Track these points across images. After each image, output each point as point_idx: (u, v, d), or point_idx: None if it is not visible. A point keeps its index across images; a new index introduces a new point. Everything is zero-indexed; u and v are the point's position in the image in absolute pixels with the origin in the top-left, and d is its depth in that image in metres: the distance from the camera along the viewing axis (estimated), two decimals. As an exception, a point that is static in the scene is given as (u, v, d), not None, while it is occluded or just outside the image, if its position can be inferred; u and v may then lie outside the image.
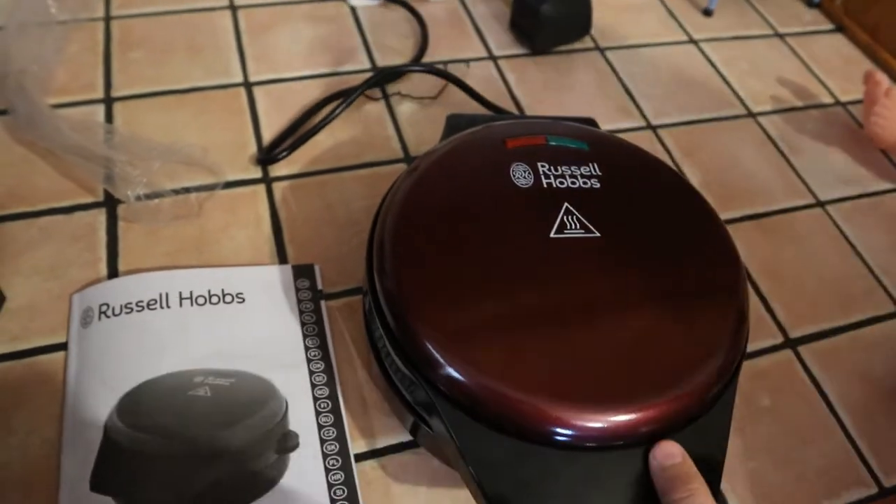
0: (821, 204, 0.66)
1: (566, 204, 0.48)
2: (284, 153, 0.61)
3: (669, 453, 0.38)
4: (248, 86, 0.67)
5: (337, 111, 0.63)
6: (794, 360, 0.56)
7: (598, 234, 0.46)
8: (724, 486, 0.49)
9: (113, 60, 0.67)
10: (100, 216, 0.56)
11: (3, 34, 0.64)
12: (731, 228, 0.62)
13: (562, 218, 0.47)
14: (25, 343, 0.49)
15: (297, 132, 0.63)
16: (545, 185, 0.49)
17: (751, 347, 0.55)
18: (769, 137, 0.71)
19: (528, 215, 0.47)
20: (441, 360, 0.40)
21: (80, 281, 0.52)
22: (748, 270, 0.60)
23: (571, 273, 0.45)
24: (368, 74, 0.68)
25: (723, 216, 0.63)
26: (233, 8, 0.73)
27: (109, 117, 0.62)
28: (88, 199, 0.57)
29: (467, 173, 0.49)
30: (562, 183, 0.49)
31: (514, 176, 0.49)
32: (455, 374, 0.40)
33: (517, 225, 0.46)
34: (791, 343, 0.57)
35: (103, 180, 0.57)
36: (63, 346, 0.49)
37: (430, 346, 0.40)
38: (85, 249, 0.54)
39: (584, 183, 0.49)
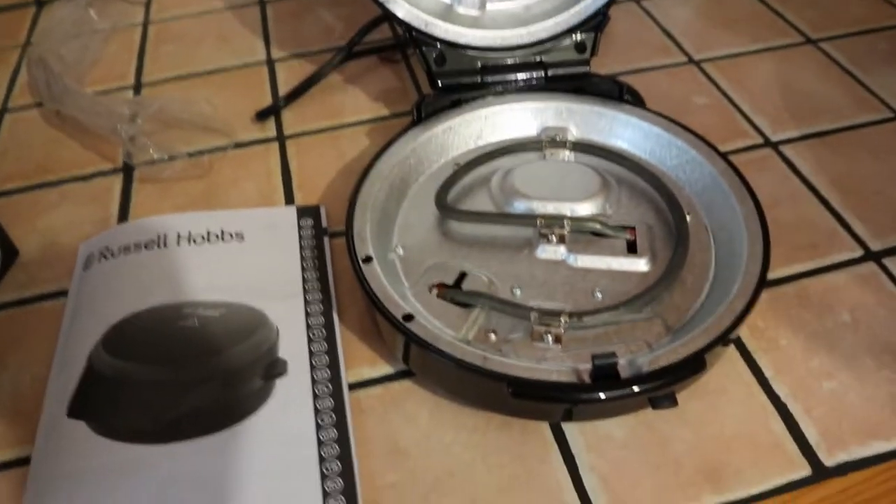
0: (902, 117, 0.57)
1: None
2: (282, 102, 0.60)
3: None
4: (270, 63, 0.67)
5: (335, 61, 0.62)
6: (878, 273, 0.46)
7: None
8: (798, 408, 0.40)
9: (146, 55, 0.69)
10: (116, 180, 0.56)
11: (48, 36, 0.69)
12: (791, 147, 0.55)
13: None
14: (32, 290, 0.49)
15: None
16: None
17: (824, 262, 0.47)
18: (833, 60, 0.63)
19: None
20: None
21: (91, 235, 0.52)
22: (815, 187, 0.52)
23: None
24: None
25: (780, 136, 0.56)
26: (262, 3, 0.75)
27: (136, 97, 0.64)
28: (108, 167, 0.57)
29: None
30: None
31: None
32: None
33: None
34: (873, 255, 0.47)
35: (123, 146, 0.57)
36: (66, 293, 0.48)
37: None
38: (99, 208, 0.54)
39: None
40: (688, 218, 0.45)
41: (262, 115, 0.60)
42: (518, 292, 0.41)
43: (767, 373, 0.41)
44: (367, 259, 0.41)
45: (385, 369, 0.43)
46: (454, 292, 0.41)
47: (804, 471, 0.37)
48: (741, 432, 0.39)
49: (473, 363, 0.36)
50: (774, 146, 0.55)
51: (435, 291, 0.42)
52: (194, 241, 0.49)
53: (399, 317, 0.38)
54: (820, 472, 0.37)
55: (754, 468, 0.38)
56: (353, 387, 0.42)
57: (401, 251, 0.44)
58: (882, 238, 0.48)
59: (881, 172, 0.53)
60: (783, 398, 0.40)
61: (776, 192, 0.51)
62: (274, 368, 0.43)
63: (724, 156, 0.47)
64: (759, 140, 0.56)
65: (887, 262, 0.47)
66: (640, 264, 0.42)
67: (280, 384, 0.42)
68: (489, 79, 0.51)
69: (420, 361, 0.39)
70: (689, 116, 0.57)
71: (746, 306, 0.38)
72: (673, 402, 0.36)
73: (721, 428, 0.39)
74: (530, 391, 0.35)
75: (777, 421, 0.39)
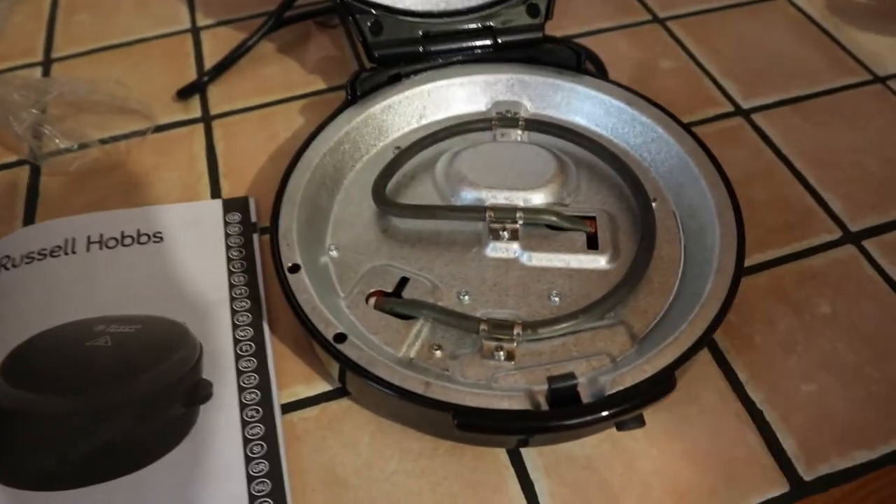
0: (881, 80, 0.53)
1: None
2: (207, 77, 0.53)
3: None
4: (195, 31, 0.60)
5: (263, 28, 0.56)
6: (858, 257, 0.43)
7: None
8: (775, 416, 0.36)
9: (56, 25, 0.62)
10: (22, 173, 0.50)
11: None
12: (763, 115, 0.51)
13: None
14: (-77, 308, 0.43)
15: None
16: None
17: (801, 245, 0.43)
18: (807, 16, 0.58)
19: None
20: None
21: (-7, 239, 0.46)
22: (790, 160, 0.48)
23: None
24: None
25: (751, 103, 0.52)
26: (186, -39, 0.68)
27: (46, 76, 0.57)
28: (12, 158, 0.51)
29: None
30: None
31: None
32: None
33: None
34: (852, 237, 0.44)
35: (29, 136, 0.51)
36: (-38, 310, 0.43)
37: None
38: (2, 207, 0.48)
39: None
40: (654, 204, 0.40)
41: (184, 93, 0.54)
42: (466, 299, 0.37)
43: (742, 376, 0.38)
44: (294, 268, 0.37)
45: (322, 386, 0.38)
46: (393, 302, 0.37)
47: (782, 487, 0.34)
48: (714, 446, 0.35)
49: (414, 391, 0.32)
50: (746, 114, 0.51)
51: (372, 301, 0.37)
52: (107, 245, 0.44)
53: (330, 337, 0.34)
54: (799, 488, 0.34)
55: (728, 486, 0.34)
56: (286, 408, 0.38)
57: (335, 253, 0.39)
58: (861, 217, 0.45)
59: (859, 142, 0.49)
60: (759, 405, 0.37)
61: (748, 168, 0.47)
62: (197, 392, 0.38)
63: (693, 133, 0.42)
64: (730, 108, 0.51)
65: (867, 244, 0.43)
66: (601, 261, 0.38)
67: (204, 410, 0.37)
68: (432, 48, 0.46)
69: (356, 386, 0.35)
70: (653, 82, 0.53)
71: (720, 312, 0.34)
72: (640, 423, 0.32)
73: (692, 442, 0.36)
74: (478, 422, 0.31)
75: (752, 431, 0.36)
